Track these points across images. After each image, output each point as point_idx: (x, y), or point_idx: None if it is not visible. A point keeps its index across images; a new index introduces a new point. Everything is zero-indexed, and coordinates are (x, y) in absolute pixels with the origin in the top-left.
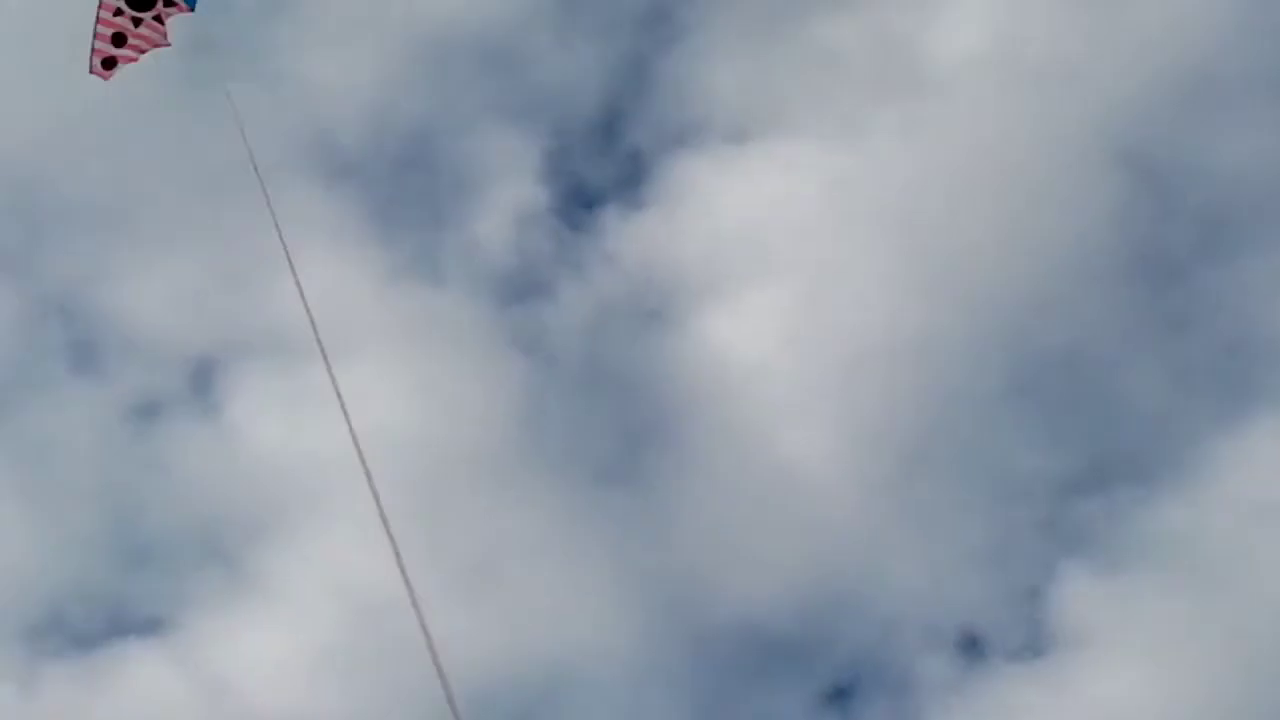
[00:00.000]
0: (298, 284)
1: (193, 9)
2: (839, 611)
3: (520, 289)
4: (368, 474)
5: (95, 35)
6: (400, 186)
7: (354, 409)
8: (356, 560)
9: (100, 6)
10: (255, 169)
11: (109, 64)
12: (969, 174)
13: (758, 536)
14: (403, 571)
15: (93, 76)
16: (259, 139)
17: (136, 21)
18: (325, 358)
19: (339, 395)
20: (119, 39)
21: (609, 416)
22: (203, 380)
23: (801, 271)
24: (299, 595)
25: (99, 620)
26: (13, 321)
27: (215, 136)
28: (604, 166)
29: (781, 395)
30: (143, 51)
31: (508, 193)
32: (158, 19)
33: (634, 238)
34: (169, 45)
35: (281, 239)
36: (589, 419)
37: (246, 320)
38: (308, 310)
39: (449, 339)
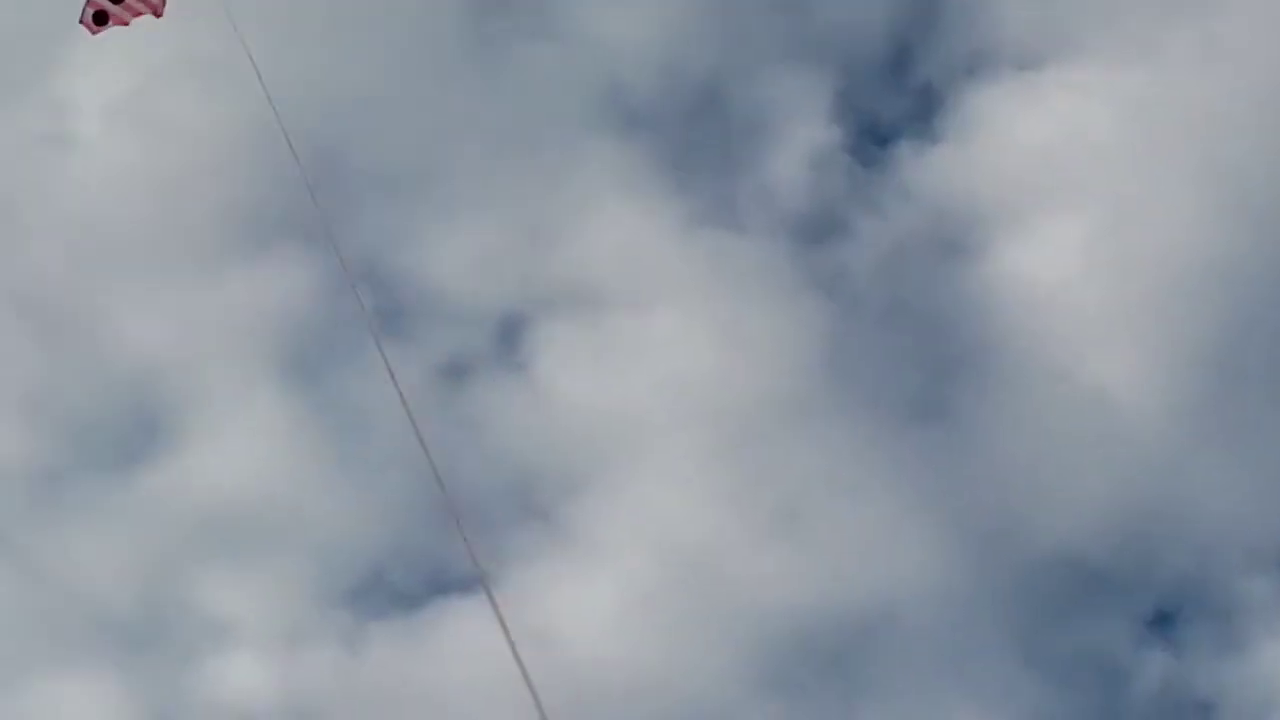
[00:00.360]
0: None
1: None
2: (1157, 538)
3: (817, 229)
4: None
5: None
6: (693, 135)
7: (659, 356)
8: (672, 509)
9: None
10: None
11: (100, 19)
12: (1270, 94)
13: (1070, 466)
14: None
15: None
16: (552, 96)
17: None
18: None
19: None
20: None
21: (913, 352)
22: (509, 337)
23: (1100, 197)
24: (616, 547)
25: (419, 580)
26: (321, 290)
27: (505, 94)
28: (895, 102)
29: (1086, 322)
30: (136, 15)
31: (800, 134)
32: None
33: (929, 171)
34: (160, 16)
35: None
36: (892, 356)
37: (548, 275)
38: None
39: (749, 283)
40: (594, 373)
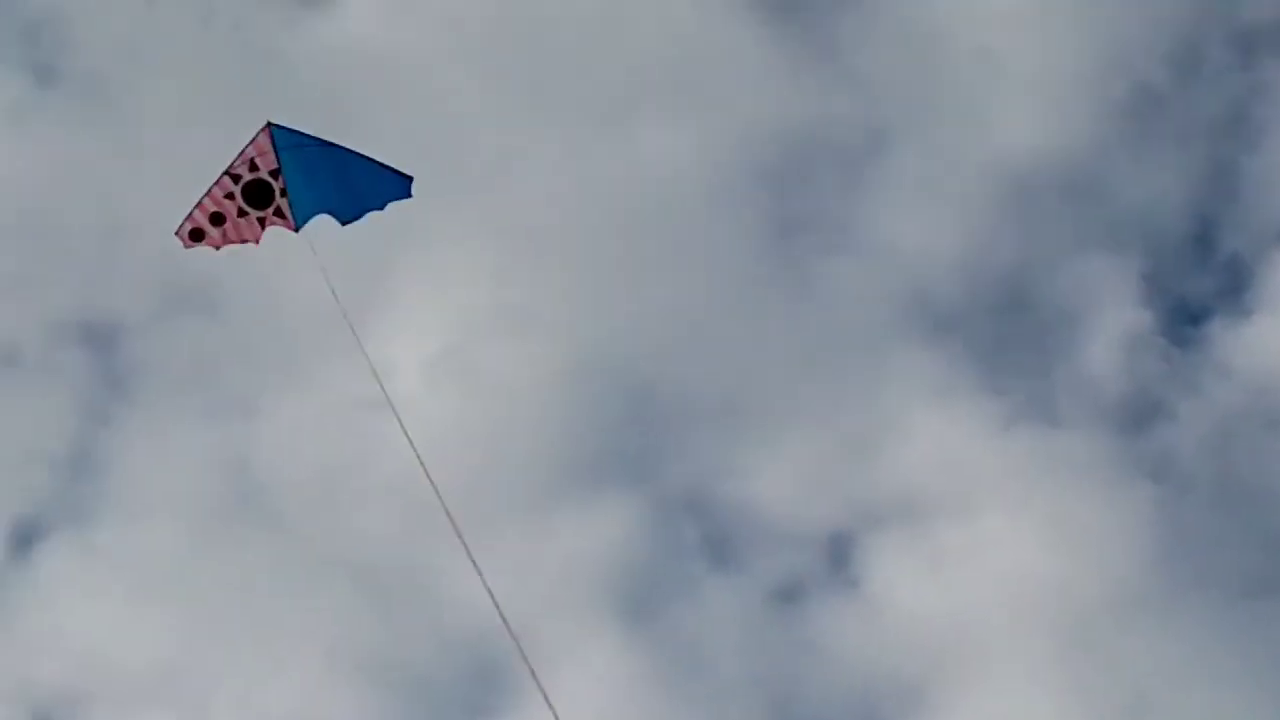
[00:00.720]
0: None
1: (297, 231)
2: None
3: (1137, 415)
4: None
5: (198, 205)
6: (1002, 332)
7: (990, 560)
8: (1017, 715)
9: (216, 182)
10: None
11: (196, 236)
12: None
13: None
14: None
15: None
16: (858, 309)
17: (241, 212)
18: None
19: None
20: (217, 219)
21: (1247, 530)
22: (838, 555)
23: None
24: None
25: None
26: (649, 527)
27: (812, 311)
28: (1204, 279)
29: None
30: (230, 243)
31: (1111, 321)
32: (261, 221)
33: (1245, 346)
34: (257, 245)
35: None
36: (1226, 536)
37: (871, 488)
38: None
39: (1073, 477)
40: (926, 583)
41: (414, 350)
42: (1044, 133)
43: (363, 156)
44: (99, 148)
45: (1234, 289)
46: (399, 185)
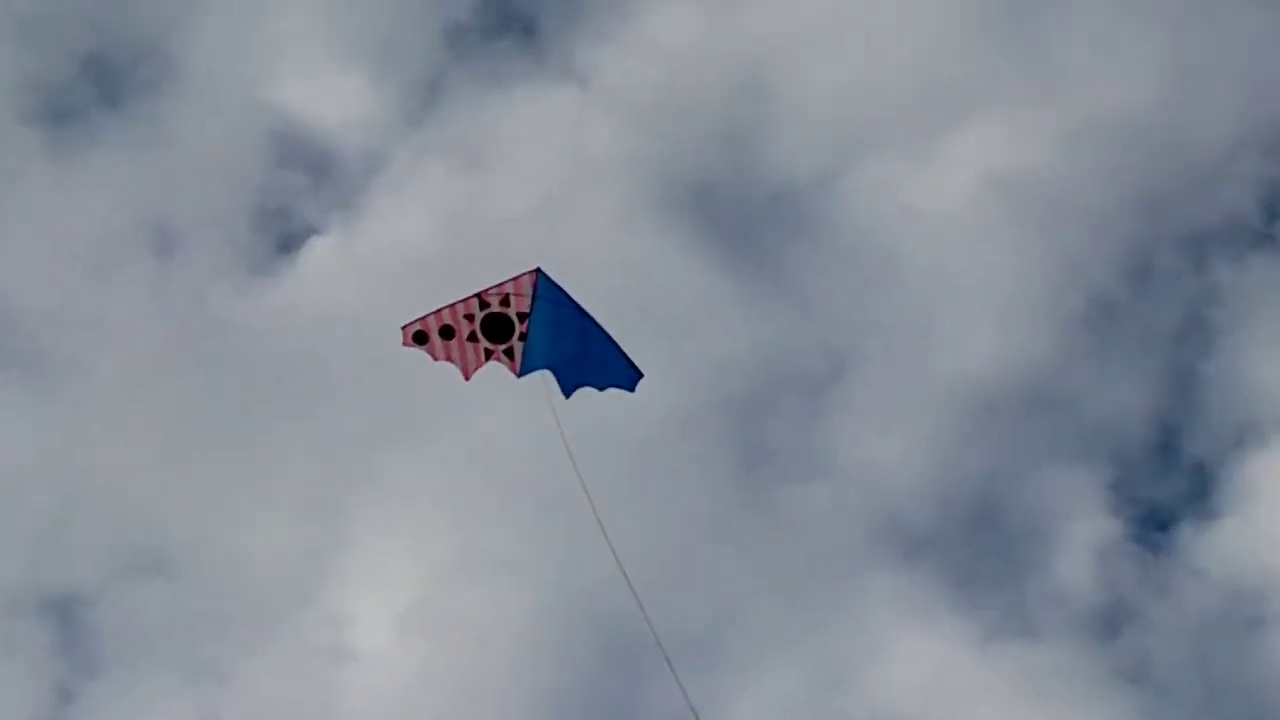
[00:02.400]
0: None
1: (519, 376)
2: None
3: (1113, 622)
4: None
5: (434, 312)
6: (975, 549)
7: None
8: None
9: (465, 300)
10: None
11: (420, 339)
12: None
13: None
14: None
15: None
16: (829, 534)
17: (473, 336)
18: None
19: None
20: (447, 332)
21: None
22: None
23: None
24: None
25: None
26: None
27: (782, 539)
28: (1170, 484)
29: None
30: (448, 359)
31: (1081, 530)
32: (488, 353)
33: (1214, 547)
34: (468, 379)
35: None
36: None
37: (853, 714)
38: None
39: (1053, 687)
40: None
41: (385, 604)
42: (1003, 347)
43: (607, 336)
44: (53, 421)
45: (1200, 493)
46: (628, 375)
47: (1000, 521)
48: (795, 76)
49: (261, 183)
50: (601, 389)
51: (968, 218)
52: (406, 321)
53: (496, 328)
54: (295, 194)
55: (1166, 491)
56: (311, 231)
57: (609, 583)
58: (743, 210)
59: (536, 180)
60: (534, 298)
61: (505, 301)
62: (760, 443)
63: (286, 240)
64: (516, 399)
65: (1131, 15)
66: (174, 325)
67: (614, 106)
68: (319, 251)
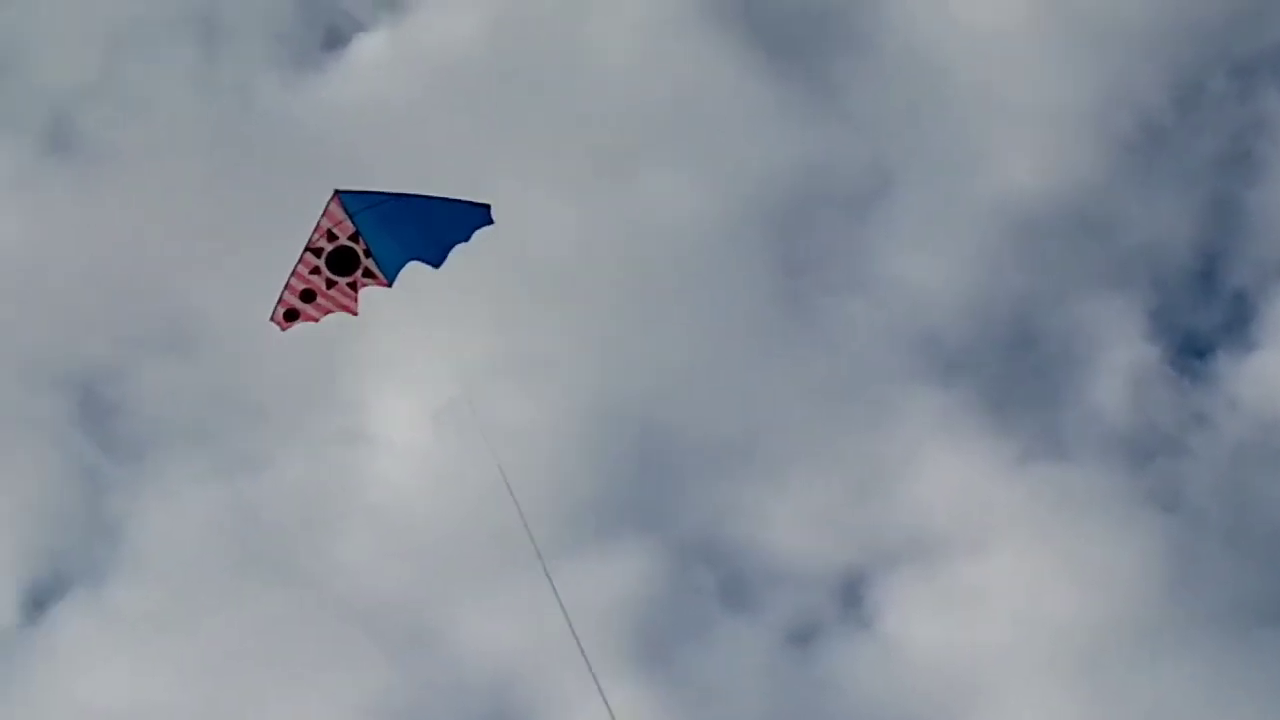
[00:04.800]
0: None
1: (390, 285)
2: None
3: (1147, 448)
4: None
5: (286, 286)
6: (1011, 370)
7: (1004, 597)
8: None
9: (300, 260)
10: None
11: (290, 316)
12: None
13: None
14: None
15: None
16: (867, 348)
17: (330, 283)
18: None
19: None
20: (308, 295)
21: (1259, 558)
22: (852, 595)
23: None
24: None
25: None
26: (663, 571)
27: (820, 350)
28: (1209, 313)
29: None
30: (326, 313)
31: (1118, 356)
32: (352, 285)
33: (1252, 378)
34: (355, 314)
35: None
36: (1239, 564)
37: (883, 528)
38: None
39: (1085, 512)
40: (939, 621)
41: (422, 401)
42: (1048, 170)
43: (435, 198)
44: (101, 212)
45: (1239, 322)
46: (478, 215)
47: (1038, 343)
48: None
49: None
50: (467, 240)
51: (1018, 35)
52: (270, 317)
53: (344, 262)
54: None
55: (1205, 320)
56: (358, 28)
57: (647, 386)
58: (789, 21)
59: None
60: (349, 216)
61: (331, 236)
62: (801, 254)
63: (333, 36)
64: (558, 204)
65: None
66: (214, 113)
67: None
68: (366, 48)
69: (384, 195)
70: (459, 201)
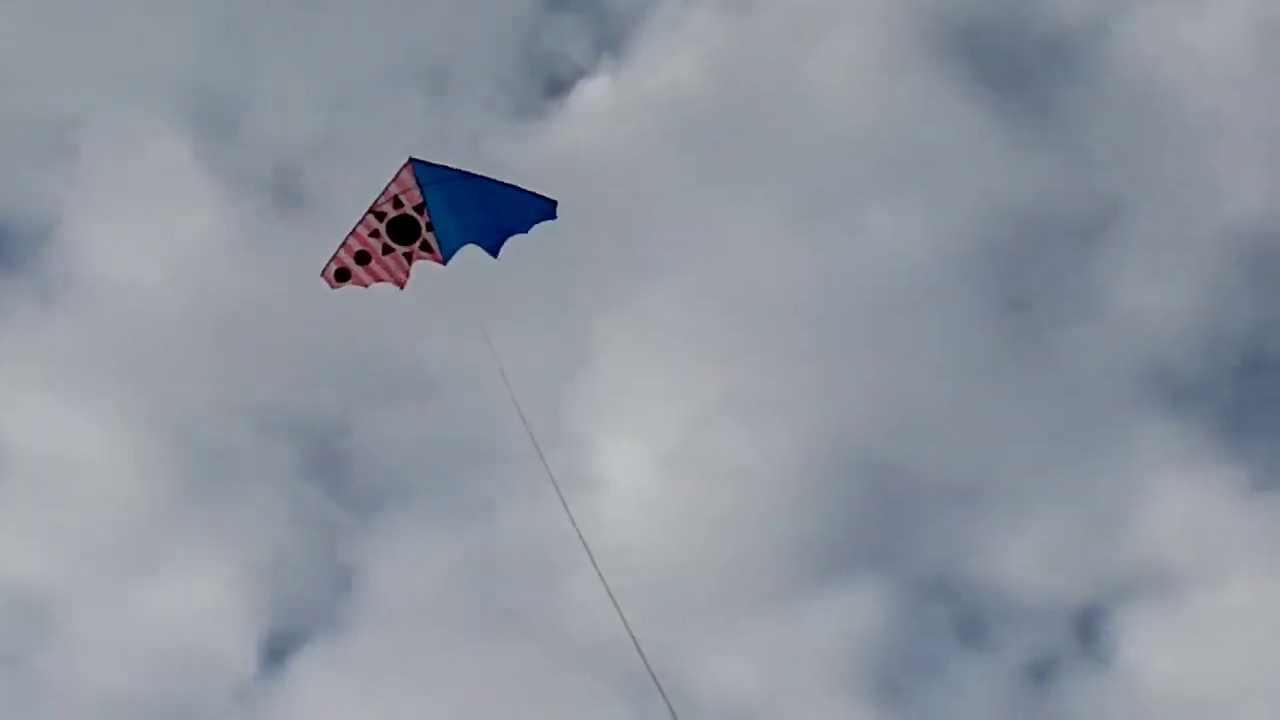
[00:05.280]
0: None
1: (445, 263)
2: None
3: None
4: None
5: (343, 245)
6: (1243, 397)
7: (1242, 629)
8: None
9: (361, 220)
10: None
11: (342, 276)
12: None
13: None
14: None
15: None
16: (1096, 379)
17: (386, 249)
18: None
19: None
20: (362, 257)
21: None
22: (1088, 630)
23: None
24: None
25: None
26: (897, 609)
27: (1049, 383)
28: None
29: None
30: (377, 280)
31: None
32: (408, 256)
33: None
34: (402, 287)
35: None
36: None
37: (1119, 561)
38: None
39: None
40: (1179, 654)
41: (651, 445)
42: (1278, 194)
43: (505, 184)
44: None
45: None
46: (543, 208)
47: (1271, 369)
48: None
49: (532, 25)
50: (528, 231)
51: (1244, 59)
52: (321, 272)
53: (404, 230)
54: (565, 36)
55: None
56: (581, 74)
57: (876, 424)
58: (1013, 53)
59: (804, 22)
60: (420, 186)
61: (397, 203)
62: (1029, 286)
63: (556, 83)
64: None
65: None
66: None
67: None
68: (589, 93)
69: (456, 172)
70: (527, 192)
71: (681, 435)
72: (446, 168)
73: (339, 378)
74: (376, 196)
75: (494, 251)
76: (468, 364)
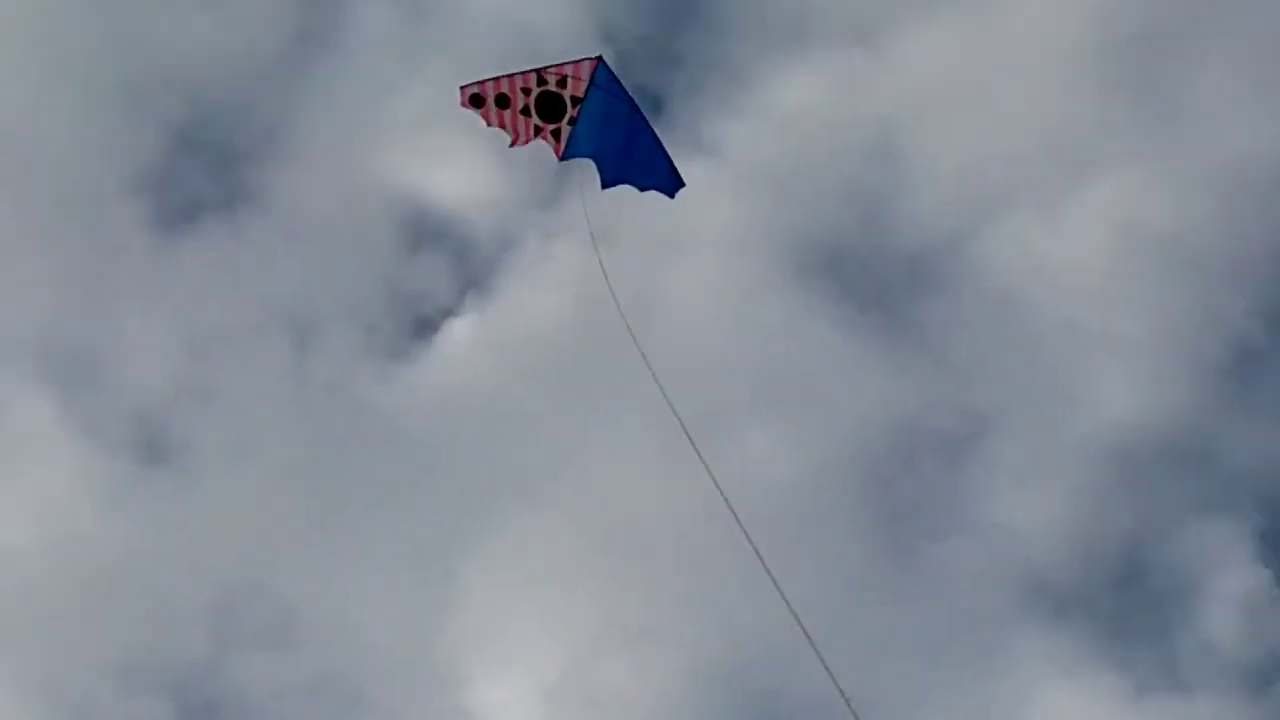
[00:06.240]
0: None
1: (561, 160)
2: None
3: (1267, 675)
4: None
5: (494, 79)
6: (1123, 603)
7: None
8: None
9: (524, 72)
10: None
11: (476, 101)
12: None
13: None
14: None
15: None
16: (971, 593)
17: (525, 110)
18: None
19: None
20: (502, 100)
21: None
22: None
23: None
24: None
25: None
26: None
27: (922, 600)
28: None
29: None
30: (500, 126)
31: (1229, 583)
32: (538, 130)
33: None
34: (513, 146)
35: None
36: None
37: None
38: None
39: None
40: None
41: (534, 680)
42: (1144, 400)
43: (656, 138)
44: (196, 513)
45: None
46: (670, 181)
47: (1147, 575)
48: (923, 136)
49: (397, 267)
50: (642, 189)
51: (1103, 270)
52: (465, 83)
53: (550, 106)
54: (429, 277)
55: None
56: (447, 314)
57: (755, 648)
58: (877, 273)
59: (668, 250)
60: (590, 84)
61: (562, 83)
62: (902, 501)
63: (422, 324)
64: (649, 470)
65: (1259, 58)
66: (308, 409)
67: (742, 176)
68: (454, 334)
69: (628, 96)
70: (666, 158)
71: (562, 667)
72: (622, 86)
73: (208, 625)
74: (552, 63)
75: (604, 184)
76: (336, 605)
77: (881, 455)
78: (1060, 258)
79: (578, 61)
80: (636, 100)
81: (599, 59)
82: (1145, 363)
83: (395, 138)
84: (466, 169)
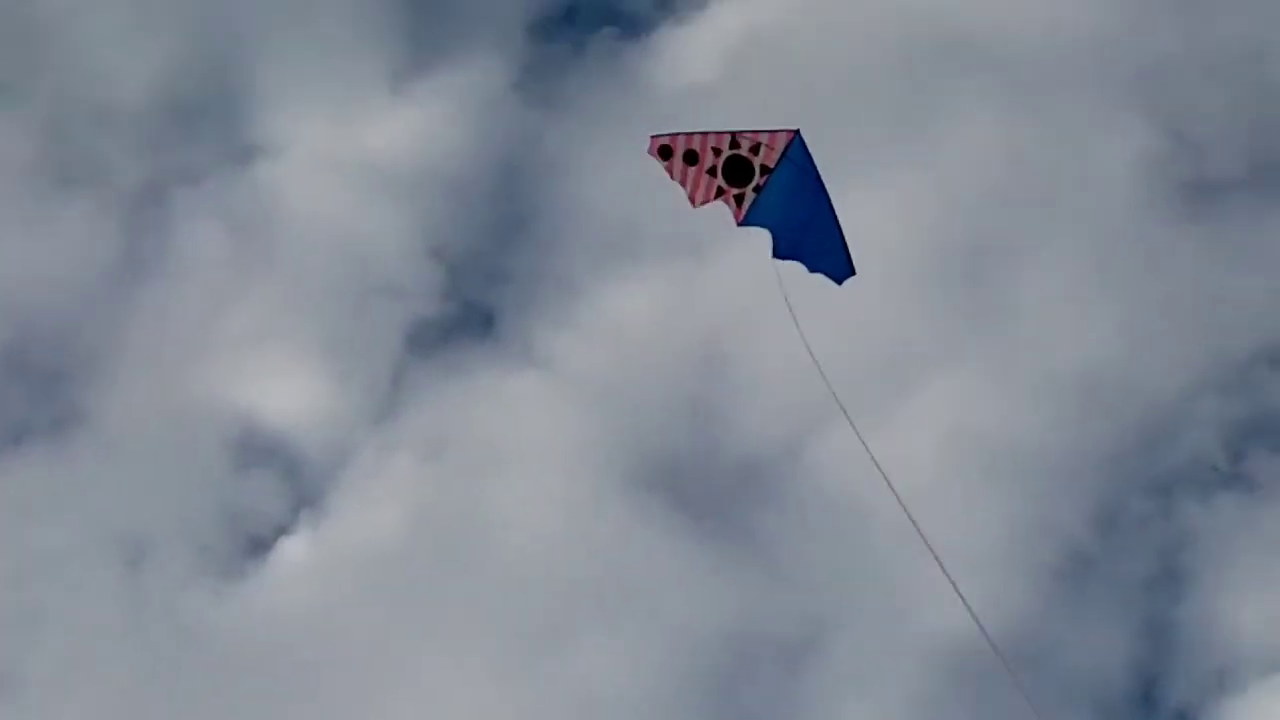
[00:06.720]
0: None
1: (739, 225)
2: None
3: None
4: None
5: (687, 135)
6: None
7: None
8: None
9: (718, 133)
10: None
11: (665, 153)
12: None
13: None
14: None
15: None
16: None
17: (713, 170)
18: None
19: None
20: (691, 157)
21: None
22: None
23: None
24: None
25: None
26: None
27: None
28: None
29: None
30: (683, 182)
31: None
32: (720, 191)
33: None
34: (694, 205)
35: None
36: None
37: None
38: None
39: None
40: None
41: None
42: (978, 604)
43: (837, 224)
44: None
45: None
46: (841, 268)
47: None
48: (753, 346)
49: (228, 486)
50: (811, 270)
51: (935, 476)
52: (658, 134)
53: (736, 170)
54: (262, 495)
55: None
56: (281, 532)
57: None
58: (710, 483)
59: (501, 467)
60: (784, 156)
61: (755, 150)
62: (744, 710)
63: (256, 543)
64: (488, 682)
65: (1085, 270)
66: (140, 631)
67: (574, 388)
68: (289, 551)
69: (816, 175)
70: (843, 245)
71: None
72: (814, 165)
73: None
74: (749, 129)
75: (776, 254)
76: None
77: (721, 664)
78: (892, 464)
79: (775, 131)
80: (824, 183)
81: (796, 132)
82: (978, 567)
83: (225, 356)
84: (298, 385)
